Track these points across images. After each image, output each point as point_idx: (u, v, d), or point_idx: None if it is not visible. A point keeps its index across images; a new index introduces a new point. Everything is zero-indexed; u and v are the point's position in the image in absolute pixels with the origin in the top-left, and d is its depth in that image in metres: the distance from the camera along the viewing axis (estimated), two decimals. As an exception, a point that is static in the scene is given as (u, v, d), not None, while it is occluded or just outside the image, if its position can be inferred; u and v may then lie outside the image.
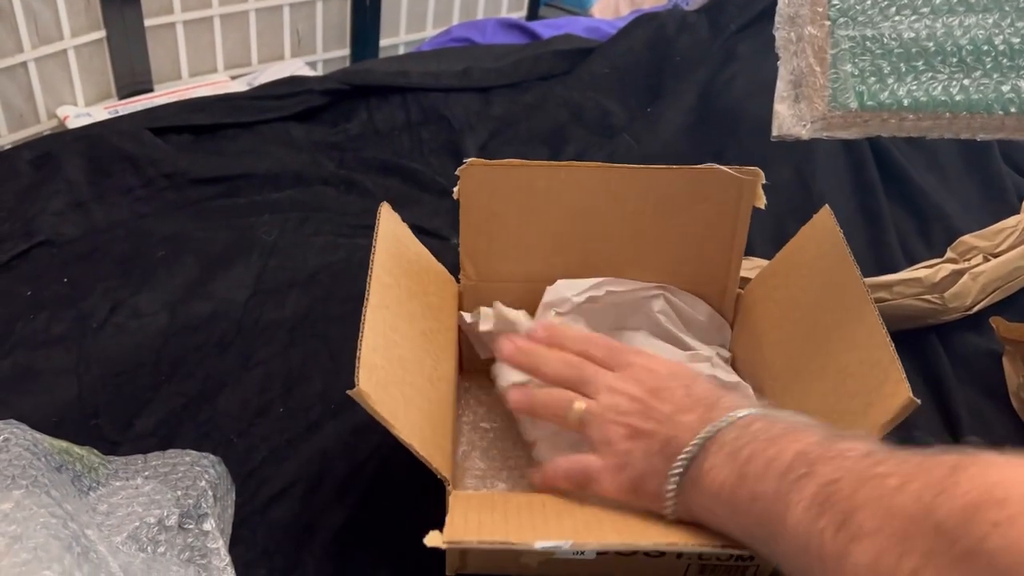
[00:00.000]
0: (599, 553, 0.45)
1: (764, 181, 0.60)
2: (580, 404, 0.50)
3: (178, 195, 0.85)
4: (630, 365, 0.51)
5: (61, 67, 1.19)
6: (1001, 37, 0.41)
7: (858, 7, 0.41)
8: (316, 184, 0.87)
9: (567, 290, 0.61)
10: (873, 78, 0.41)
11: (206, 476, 0.52)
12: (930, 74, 0.41)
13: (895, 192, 0.86)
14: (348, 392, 0.42)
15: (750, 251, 0.76)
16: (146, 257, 0.77)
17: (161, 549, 0.47)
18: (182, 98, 1.08)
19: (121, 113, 1.12)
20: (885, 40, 0.41)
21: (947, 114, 0.43)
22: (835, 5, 0.41)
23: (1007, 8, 0.42)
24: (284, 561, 0.54)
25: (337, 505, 0.58)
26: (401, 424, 0.43)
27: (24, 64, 1.14)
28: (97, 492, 0.48)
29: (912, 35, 0.41)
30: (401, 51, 1.50)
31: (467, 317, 0.61)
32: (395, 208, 0.87)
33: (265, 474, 0.60)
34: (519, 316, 0.59)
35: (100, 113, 1.19)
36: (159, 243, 0.79)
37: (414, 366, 0.50)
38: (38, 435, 0.48)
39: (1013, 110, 0.42)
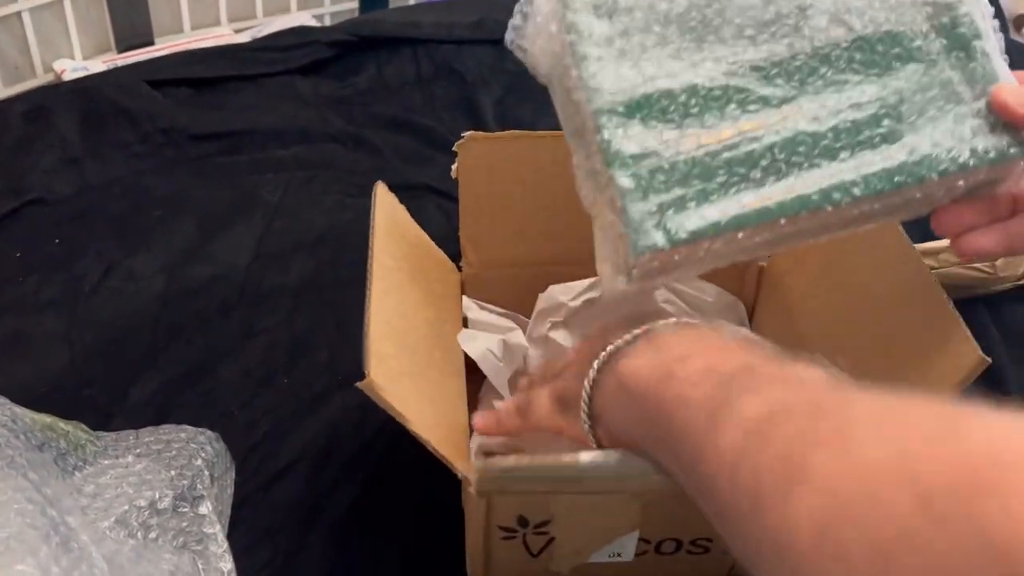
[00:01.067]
0: (637, 555, 0.41)
1: None
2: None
3: (177, 152, 0.80)
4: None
5: (57, 18, 1.14)
6: (815, 123, 0.37)
7: (634, 143, 0.36)
8: (322, 141, 0.83)
9: (562, 295, 0.56)
10: (672, 209, 0.35)
11: (202, 454, 0.48)
12: (739, 185, 0.36)
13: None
14: (357, 384, 0.38)
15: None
16: (142, 217, 0.73)
17: (153, 534, 0.43)
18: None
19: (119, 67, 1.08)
20: (678, 165, 0.36)
21: (782, 220, 0.36)
22: (607, 141, 0.36)
23: (810, 90, 0.37)
24: (288, 544, 0.51)
25: (345, 483, 0.54)
26: (416, 419, 0.39)
27: (19, 15, 1.09)
28: (83, 472, 0.44)
29: (704, 151, 0.36)
30: (412, 3, 1.44)
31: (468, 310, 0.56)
32: (406, 167, 0.83)
33: (268, 450, 0.56)
34: (508, 329, 0.54)
35: (98, 67, 1.14)
36: (156, 202, 0.74)
37: (424, 357, 0.46)
38: (18, 409, 0.44)
39: (858, 192, 0.36)
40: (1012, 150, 0.36)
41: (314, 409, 0.59)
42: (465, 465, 0.43)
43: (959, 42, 0.37)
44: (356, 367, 0.40)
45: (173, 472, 0.46)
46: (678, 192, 0.35)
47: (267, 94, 0.89)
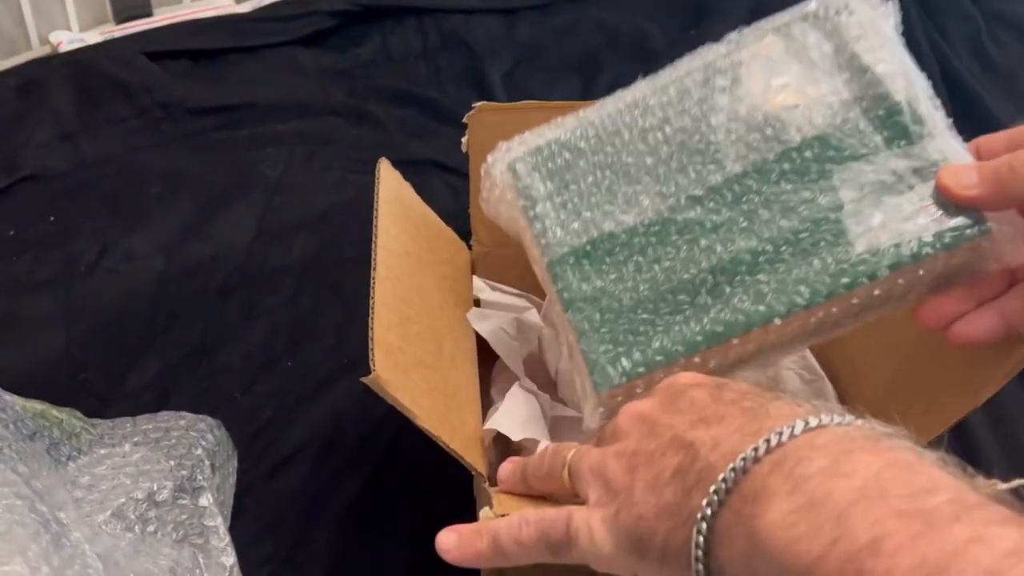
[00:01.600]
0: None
1: None
2: (571, 453, 0.34)
3: (174, 126, 0.78)
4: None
5: (52, -11, 1.10)
6: (754, 240, 0.37)
7: (585, 287, 0.39)
8: (324, 115, 0.80)
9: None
10: (625, 345, 0.37)
11: (203, 442, 0.46)
12: (686, 312, 0.37)
13: (969, 122, 0.77)
14: (363, 380, 0.35)
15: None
16: (139, 194, 0.71)
17: (151, 528, 0.41)
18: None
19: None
20: (626, 303, 0.38)
21: (734, 340, 0.36)
22: (561, 291, 0.39)
23: (747, 208, 0.38)
24: (291, 536, 0.49)
25: (351, 472, 0.52)
26: (426, 413, 0.37)
27: (12, -15, 1.06)
28: (78, 462, 0.42)
29: (650, 286, 0.38)
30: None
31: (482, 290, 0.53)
32: (410, 141, 0.80)
33: (271, 437, 0.54)
34: (523, 308, 0.51)
35: (95, 39, 1.11)
36: (154, 179, 0.72)
37: (433, 346, 0.44)
38: (8, 397, 0.42)
39: (802, 300, 0.35)
40: (968, 231, 0.34)
41: (319, 394, 0.57)
42: (478, 459, 0.41)
43: (899, 131, 0.36)
44: (362, 350, 0.37)
45: (172, 462, 0.44)
46: (629, 327, 0.37)
47: (267, 66, 0.86)
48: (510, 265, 0.55)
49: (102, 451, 0.44)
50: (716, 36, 0.97)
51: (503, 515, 0.35)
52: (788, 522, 0.24)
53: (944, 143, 0.36)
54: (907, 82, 0.37)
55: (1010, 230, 0.34)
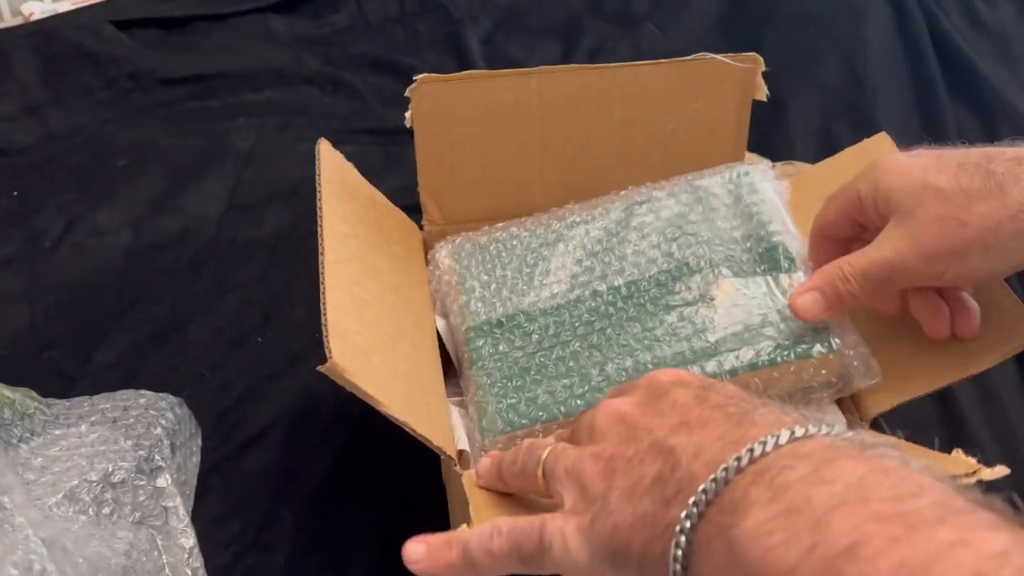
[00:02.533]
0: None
1: (764, 68, 0.52)
2: (546, 451, 0.32)
3: (144, 97, 0.76)
4: (633, 386, 0.33)
5: (22, -42, 1.07)
6: (637, 326, 0.45)
7: (491, 350, 0.45)
8: (298, 84, 0.78)
9: None
10: (512, 401, 0.43)
11: (162, 421, 0.45)
12: (572, 378, 0.44)
13: (958, 88, 0.75)
14: (319, 368, 0.34)
15: (790, 156, 0.67)
16: (107, 167, 0.69)
17: (107, 510, 0.40)
18: (153, -10, 0.97)
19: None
20: (520, 365, 0.45)
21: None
22: (471, 351, 0.45)
23: (636, 303, 0.46)
24: (260, 515, 0.48)
25: (321, 450, 0.51)
26: (390, 399, 0.36)
27: (-20, -46, 1.03)
28: (30, 444, 0.41)
29: (543, 355, 0.45)
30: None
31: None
32: (387, 110, 0.78)
33: (240, 414, 0.53)
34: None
35: (68, 9, 1.09)
36: (122, 151, 0.70)
37: (392, 328, 0.42)
38: (-44, 378, 0.40)
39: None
40: (816, 347, 0.43)
41: (290, 371, 0.56)
42: (447, 442, 0.40)
43: (772, 263, 0.46)
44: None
45: (130, 442, 0.43)
46: (522, 387, 0.44)
47: (240, 34, 0.83)
48: None
49: (57, 432, 0.43)
50: (699, 1, 0.94)
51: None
52: (765, 530, 0.23)
53: (803, 275, 0.45)
54: (784, 230, 0.47)
55: (855, 353, 0.43)
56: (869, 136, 0.65)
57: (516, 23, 0.86)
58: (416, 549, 0.31)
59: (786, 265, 0.46)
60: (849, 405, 0.46)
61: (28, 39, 0.80)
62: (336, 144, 0.71)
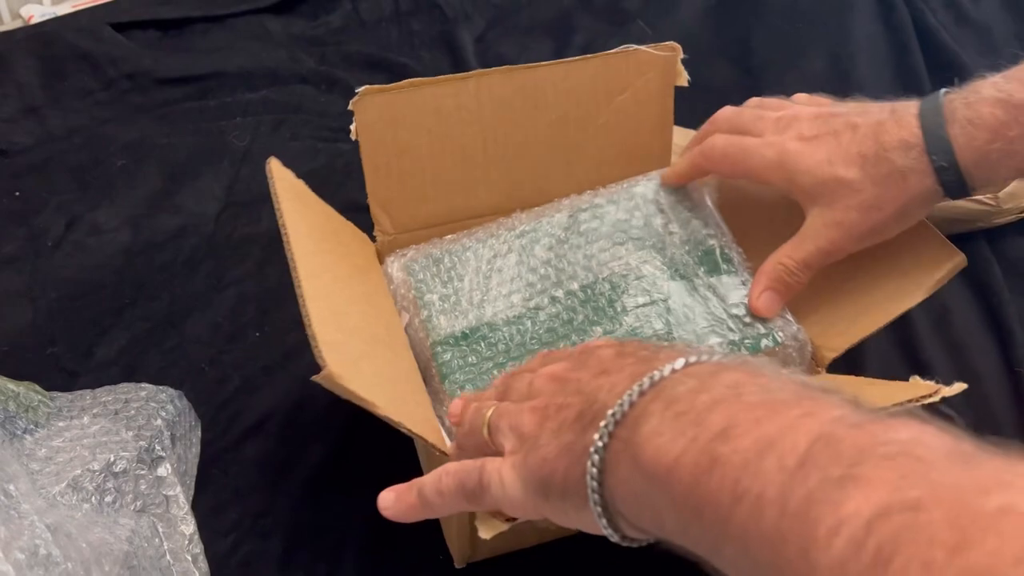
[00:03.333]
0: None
1: (683, 56, 0.54)
2: (489, 411, 0.36)
3: (142, 98, 0.77)
4: (565, 355, 0.38)
5: (20, -39, 1.08)
6: (601, 332, 0.49)
7: (459, 363, 0.48)
8: (294, 83, 0.79)
9: None
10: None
11: (163, 413, 0.46)
12: None
13: (943, 80, 0.75)
14: (314, 378, 0.35)
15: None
16: (106, 167, 0.70)
17: (109, 498, 0.41)
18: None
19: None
20: (491, 375, 0.47)
21: None
22: (440, 364, 0.48)
23: (595, 307, 0.50)
24: (258, 503, 0.49)
25: (317, 439, 0.53)
26: (383, 402, 0.37)
27: (-22, -43, 1.04)
28: (35, 435, 0.42)
29: (512, 364, 0.48)
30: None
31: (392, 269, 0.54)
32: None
33: (238, 407, 0.54)
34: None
35: (67, 12, 1.09)
36: (120, 151, 0.71)
37: (369, 336, 0.44)
38: (-39, 372, 0.41)
39: None
40: (763, 341, 0.48)
41: (286, 364, 0.57)
42: (439, 439, 0.41)
43: (712, 265, 0.51)
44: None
45: (131, 433, 0.44)
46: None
47: (236, 35, 0.84)
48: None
49: (60, 424, 0.44)
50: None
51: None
52: (656, 432, 0.27)
53: (744, 276, 0.50)
54: (718, 232, 0.52)
55: (794, 344, 0.48)
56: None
57: (509, 21, 0.87)
58: (387, 497, 0.37)
59: (724, 267, 0.51)
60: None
61: (27, 41, 0.81)
62: (330, 142, 0.73)
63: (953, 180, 0.43)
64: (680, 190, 0.54)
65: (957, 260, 0.46)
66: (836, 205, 0.44)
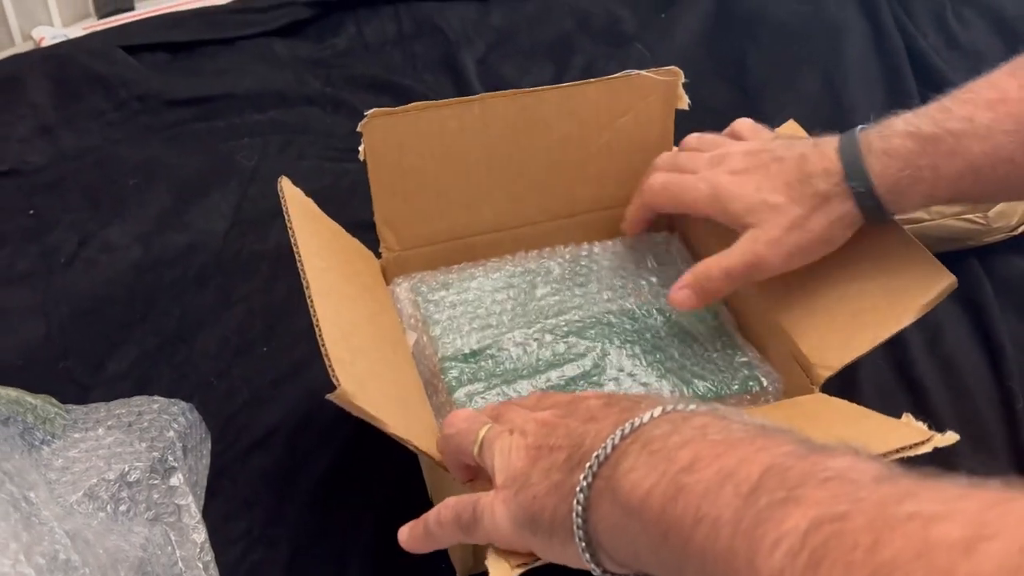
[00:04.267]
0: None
1: (684, 80, 0.56)
2: (483, 430, 0.39)
3: (152, 118, 0.79)
4: (556, 402, 0.40)
5: (33, -15, 1.11)
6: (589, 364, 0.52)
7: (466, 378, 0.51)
8: (300, 104, 0.81)
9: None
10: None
11: (175, 425, 0.48)
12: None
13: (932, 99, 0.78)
14: (328, 396, 0.37)
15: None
16: (117, 186, 0.72)
17: (124, 507, 0.43)
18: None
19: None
20: (495, 387, 0.50)
21: None
22: (450, 379, 0.50)
23: (588, 340, 0.53)
24: (265, 513, 0.50)
25: (323, 451, 0.54)
26: (392, 420, 0.39)
27: (-8, -19, 1.06)
28: (52, 446, 0.44)
29: (508, 383, 0.51)
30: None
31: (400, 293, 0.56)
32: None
33: (246, 419, 0.56)
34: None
35: (78, 35, 1.12)
36: (131, 171, 0.73)
37: (377, 355, 0.46)
38: (-18, 384, 0.43)
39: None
40: (750, 383, 0.51)
41: (293, 377, 0.58)
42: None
43: (697, 312, 0.54)
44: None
45: (145, 444, 0.45)
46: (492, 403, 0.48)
47: (244, 57, 0.86)
48: (418, 264, 0.57)
49: (76, 435, 0.45)
50: (686, 20, 0.98)
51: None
52: (631, 468, 0.30)
53: (729, 323, 0.55)
54: None
55: (769, 381, 0.52)
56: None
57: (510, 44, 0.89)
58: (403, 532, 0.40)
59: (710, 318, 0.55)
60: (798, 371, 0.51)
61: (41, 64, 0.83)
62: (335, 162, 0.75)
63: (870, 205, 0.47)
64: (667, 247, 0.59)
65: (948, 282, 0.48)
66: (764, 226, 0.48)
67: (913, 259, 0.50)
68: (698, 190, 0.51)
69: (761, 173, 0.49)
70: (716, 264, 0.50)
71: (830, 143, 0.48)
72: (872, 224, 0.49)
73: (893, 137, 0.46)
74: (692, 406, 0.33)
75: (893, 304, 0.48)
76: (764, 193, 0.48)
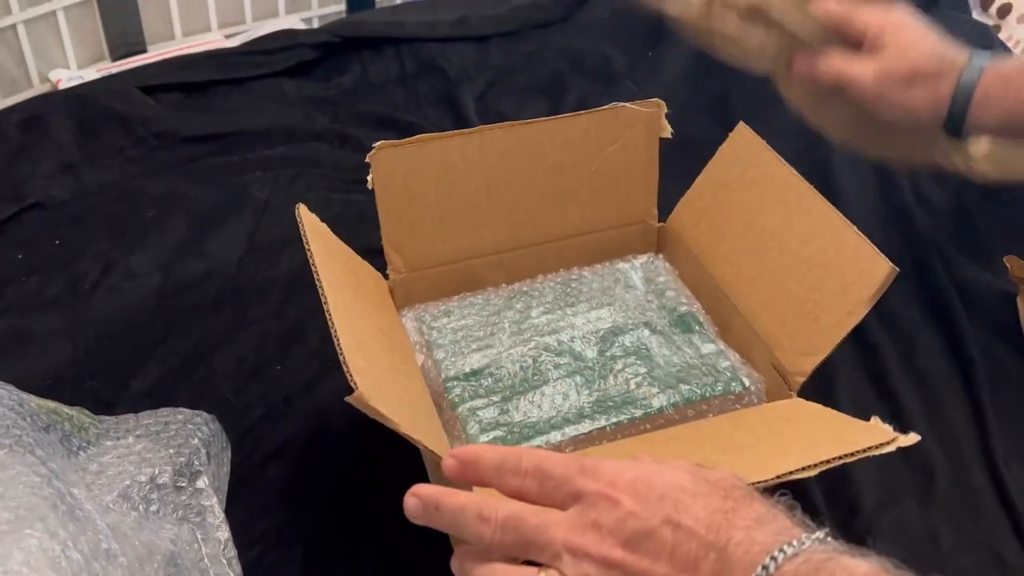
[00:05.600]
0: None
1: (667, 111, 0.61)
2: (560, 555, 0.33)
3: (169, 154, 0.83)
4: (579, 496, 0.33)
5: (52, 30, 1.16)
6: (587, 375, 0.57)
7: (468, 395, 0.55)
8: (309, 140, 0.85)
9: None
10: (498, 432, 0.53)
11: (199, 434, 0.51)
12: (543, 412, 0.54)
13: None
14: (347, 399, 0.40)
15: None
16: (138, 217, 0.76)
17: (154, 507, 0.46)
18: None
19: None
20: (493, 401, 0.55)
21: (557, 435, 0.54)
22: (453, 396, 0.55)
23: (580, 354, 0.58)
24: (282, 517, 0.54)
25: (334, 460, 0.58)
26: (404, 422, 0.42)
27: (13, 27, 1.11)
28: (87, 452, 0.47)
29: (508, 398, 0.56)
30: (398, 2, 1.46)
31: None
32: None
33: (262, 433, 0.59)
34: None
35: (93, 76, 1.16)
36: (151, 203, 0.77)
37: (389, 363, 0.50)
38: (25, 395, 0.47)
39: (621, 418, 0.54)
40: (732, 384, 0.55)
41: (305, 394, 0.62)
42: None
43: (685, 326, 0.59)
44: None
45: (171, 450, 0.49)
46: (503, 422, 0.53)
47: (255, 96, 0.91)
48: (423, 285, 0.61)
49: (108, 443, 0.49)
50: (671, 58, 1.03)
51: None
52: None
53: (713, 337, 0.59)
54: (689, 303, 0.61)
55: (751, 381, 0.56)
56: (824, 176, 0.73)
57: (507, 82, 0.94)
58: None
59: (696, 328, 0.59)
60: (774, 374, 0.55)
61: (63, 104, 0.88)
62: (343, 193, 0.79)
63: (963, 98, 0.56)
64: (654, 268, 0.64)
65: (887, 271, 0.50)
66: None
67: (855, 250, 0.52)
68: None
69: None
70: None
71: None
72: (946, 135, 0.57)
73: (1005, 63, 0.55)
74: (809, 540, 0.30)
75: (844, 302, 0.52)
76: None
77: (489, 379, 0.55)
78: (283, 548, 0.52)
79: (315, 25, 1.40)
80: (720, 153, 0.63)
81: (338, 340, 0.43)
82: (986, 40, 0.91)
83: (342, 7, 1.42)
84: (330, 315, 0.45)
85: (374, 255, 0.61)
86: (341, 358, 0.42)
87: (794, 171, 0.58)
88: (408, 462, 0.56)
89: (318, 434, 0.59)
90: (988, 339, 0.68)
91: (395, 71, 0.95)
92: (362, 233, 0.72)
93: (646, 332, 0.58)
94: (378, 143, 0.55)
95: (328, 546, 0.53)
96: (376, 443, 0.58)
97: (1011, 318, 0.69)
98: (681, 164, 0.66)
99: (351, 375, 0.41)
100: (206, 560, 0.45)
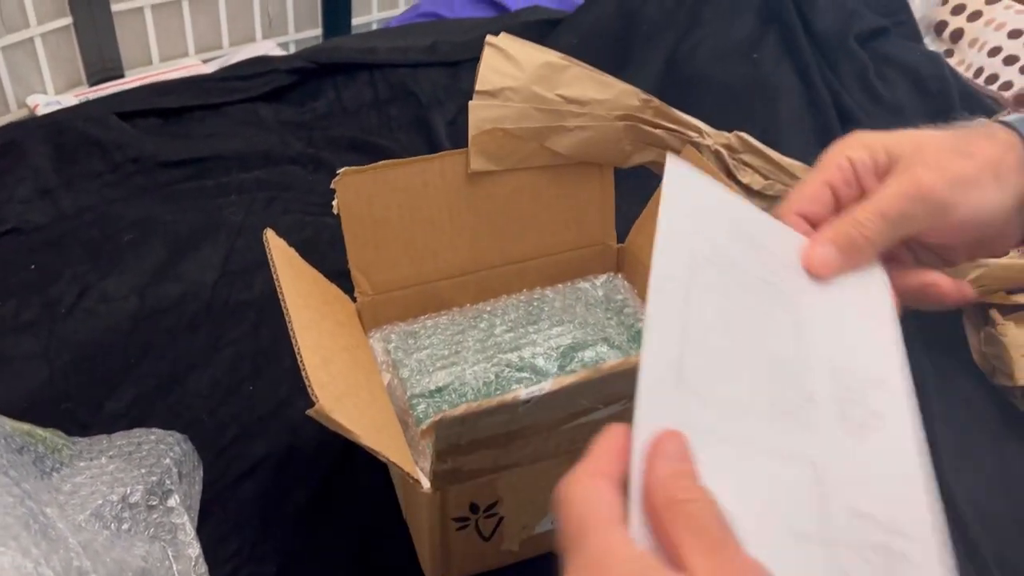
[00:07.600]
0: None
1: None
2: None
3: (146, 179, 0.85)
4: None
5: (29, 56, 1.17)
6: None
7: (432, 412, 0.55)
8: (284, 164, 0.87)
9: None
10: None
11: (171, 454, 0.52)
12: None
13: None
14: (308, 412, 0.41)
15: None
16: (114, 242, 0.77)
17: (126, 526, 0.47)
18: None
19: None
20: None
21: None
22: (418, 413, 0.56)
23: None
24: (254, 534, 0.55)
25: (305, 480, 0.59)
26: (365, 434, 0.43)
27: (-9, 53, 1.13)
28: (60, 472, 0.49)
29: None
30: (375, 27, 1.49)
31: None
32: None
33: (235, 452, 0.61)
34: None
35: (70, 101, 1.18)
36: (127, 227, 0.79)
37: (352, 380, 0.51)
38: (-1, 418, 0.48)
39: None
40: None
41: (278, 414, 0.63)
42: (414, 469, 0.48)
43: (641, 340, 0.57)
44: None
45: (143, 470, 0.50)
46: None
47: (231, 121, 0.93)
48: (390, 307, 0.63)
49: (81, 463, 0.50)
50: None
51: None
52: None
53: None
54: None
55: None
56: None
57: (477, 106, 0.96)
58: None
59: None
60: None
61: (40, 130, 0.89)
62: (316, 216, 0.81)
63: None
64: (613, 287, 0.65)
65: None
66: (923, 152, 0.40)
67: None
68: (831, 154, 0.42)
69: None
70: (861, 209, 0.38)
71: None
72: None
73: None
74: None
75: None
76: (919, 132, 0.41)
77: (453, 395, 0.57)
78: (256, 564, 0.54)
79: (292, 50, 1.42)
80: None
81: (300, 357, 0.44)
82: (937, 68, 0.94)
83: (319, 31, 1.45)
84: (294, 334, 0.46)
85: (345, 277, 0.62)
86: (304, 374, 0.43)
87: (735, 188, 0.61)
88: (378, 478, 0.58)
89: (291, 453, 0.61)
90: (938, 357, 0.70)
91: (368, 96, 0.97)
92: (334, 256, 0.74)
93: (605, 348, 0.60)
94: (342, 169, 0.57)
95: (299, 561, 0.54)
96: (346, 463, 0.60)
97: (959, 335, 0.71)
98: (637, 187, 0.68)
99: (312, 389, 0.42)
100: (177, 576, 0.46)
